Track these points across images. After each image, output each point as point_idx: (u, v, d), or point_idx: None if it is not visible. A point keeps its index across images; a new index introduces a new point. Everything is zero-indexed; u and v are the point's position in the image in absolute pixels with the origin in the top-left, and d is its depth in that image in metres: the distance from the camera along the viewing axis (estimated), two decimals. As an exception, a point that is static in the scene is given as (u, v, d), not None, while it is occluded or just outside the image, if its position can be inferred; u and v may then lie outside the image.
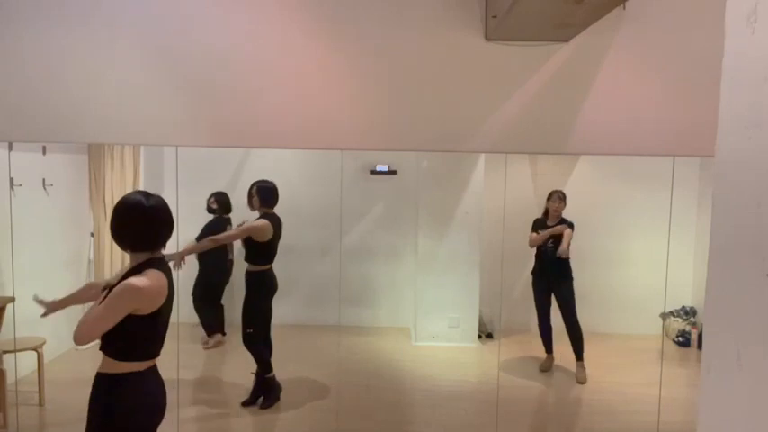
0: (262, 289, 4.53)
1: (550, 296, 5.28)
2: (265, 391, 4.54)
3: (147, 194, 2.38)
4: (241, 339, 4.52)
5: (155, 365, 2.42)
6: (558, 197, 5.25)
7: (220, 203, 5.71)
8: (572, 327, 5.17)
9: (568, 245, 5.10)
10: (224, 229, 5.37)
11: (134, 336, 2.30)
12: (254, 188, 4.53)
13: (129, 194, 2.41)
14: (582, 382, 5.12)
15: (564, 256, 5.11)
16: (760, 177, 1.00)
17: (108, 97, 3.48)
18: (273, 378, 4.57)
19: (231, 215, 5.74)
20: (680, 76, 3.46)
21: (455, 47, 3.46)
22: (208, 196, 5.75)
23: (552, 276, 5.23)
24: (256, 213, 4.55)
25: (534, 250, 5.33)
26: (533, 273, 5.39)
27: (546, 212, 5.30)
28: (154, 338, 2.38)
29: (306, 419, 4.42)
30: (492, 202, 5.63)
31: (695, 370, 5.33)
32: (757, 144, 1.00)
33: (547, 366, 5.41)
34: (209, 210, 5.71)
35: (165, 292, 2.34)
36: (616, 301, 5.93)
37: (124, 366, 2.31)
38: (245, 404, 4.53)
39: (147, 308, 2.28)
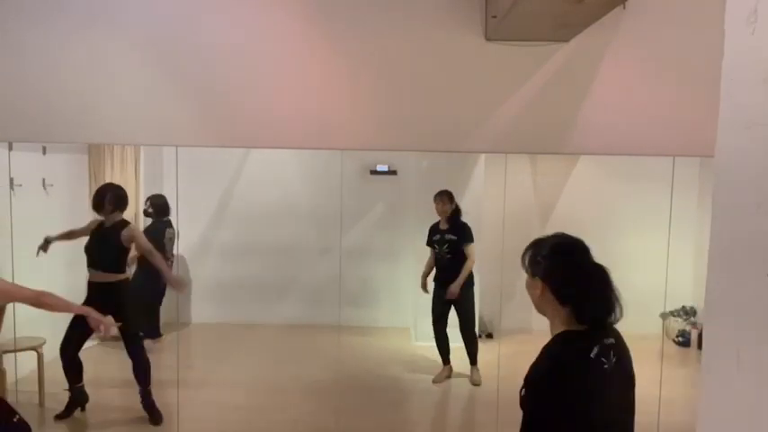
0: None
1: (449, 305, 5.16)
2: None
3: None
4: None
5: None
6: (439, 198, 5.14)
7: (156, 207, 5.51)
8: (469, 339, 5.12)
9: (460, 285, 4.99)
10: (163, 233, 5.25)
11: None
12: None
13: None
14: (477, 383, 5.03)
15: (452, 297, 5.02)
16: (760, 177, 1.00)
17: (108, 97, 3.48)
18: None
19: (169, 217, 5.47)
20: (680, 76, 3.45)
21: (455, 47, 3.46)
22: (145, 199, 5.56)
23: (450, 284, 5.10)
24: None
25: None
26: (434, 279, 5.27)
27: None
28: None
29: (306, 420, 4.42)
30: (492, 202, 5.62)
31: (695, 370, 5.32)
32: (757, 144, 1.00)
33: (441, 378, 5.19)
34: (145, 213, 5.52)
35: None
36: (616, 301, 5.92)
37: None
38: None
39: None
